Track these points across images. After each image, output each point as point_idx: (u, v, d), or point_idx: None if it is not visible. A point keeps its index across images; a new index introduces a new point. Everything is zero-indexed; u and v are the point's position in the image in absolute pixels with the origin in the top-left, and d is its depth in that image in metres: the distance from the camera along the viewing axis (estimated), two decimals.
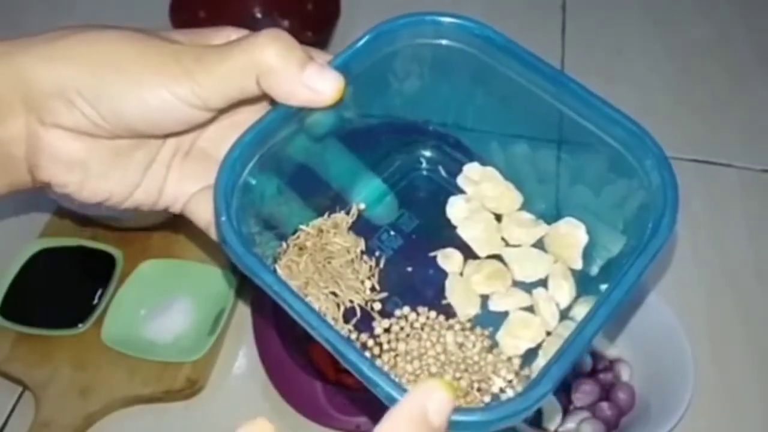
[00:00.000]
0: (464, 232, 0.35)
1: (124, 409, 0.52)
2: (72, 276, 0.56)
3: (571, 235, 0.34)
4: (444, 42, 0.33)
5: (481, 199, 0.36)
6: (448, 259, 0.35)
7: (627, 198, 0.32)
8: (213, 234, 0.31)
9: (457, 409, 0.24)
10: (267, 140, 0.30)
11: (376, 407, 0.49)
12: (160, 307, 0.55)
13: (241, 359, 0.55)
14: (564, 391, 0.52)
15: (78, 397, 0.51)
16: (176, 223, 0.60)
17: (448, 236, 0.35)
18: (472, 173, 0.36)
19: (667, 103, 0.74)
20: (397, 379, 0.27)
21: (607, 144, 0.32)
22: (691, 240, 0.63)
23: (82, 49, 0.27)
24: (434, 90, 0.35)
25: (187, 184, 0.32)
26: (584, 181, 0.33)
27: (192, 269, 0.57)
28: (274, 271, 0.31)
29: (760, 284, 0.60)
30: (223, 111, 0.29)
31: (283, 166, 0.32)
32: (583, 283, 0.33)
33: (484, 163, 0.36)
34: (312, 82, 0.28)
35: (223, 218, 0.28)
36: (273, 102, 0.29)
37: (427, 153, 0.38)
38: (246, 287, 0.57)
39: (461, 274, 0.35)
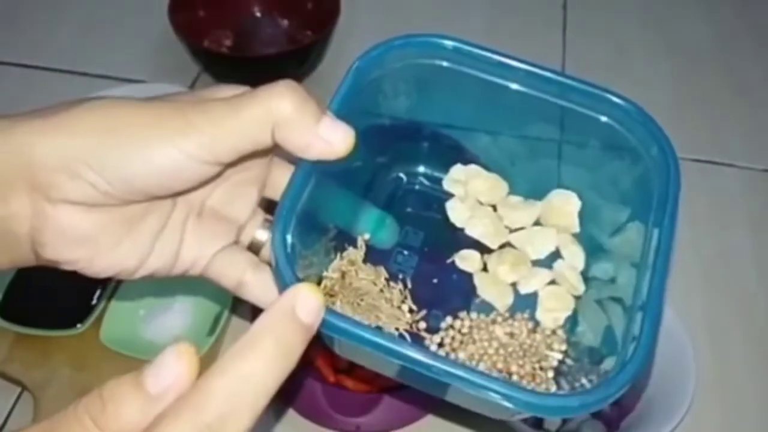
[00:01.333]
0: (472, 231, 0.36)
1: None
2: (70, 276, 0.56)
3: (566, 203, 0.36)
4: (423, 60, 0.35)
5: (475, 195, 0.37)
6: (466, 260, 0.36)
7: (623, 172, 0.34)
8: (243, 294, 0.31)
9: (557, 395, 0.27)
10: (299, 200, 0.29)
11: (375, 408, 0.49)
12: (160, 307, 0.55)
13: None
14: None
15: (77, 398, 0.49)
16: None
17: (457, 239, 0.37)
18: (457, 174, 0.37)
19: (668, 103, 0.74)
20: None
21: (597, 120, 0.34)
22: (692, 239, 0.63)
23: (83, 118, 0.26)
24: (420, 104, 0.37)
25: (204, 247, 0.30)
26: (580, 159, 0.35)
27: None
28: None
29: (762, 284, 0.60)
30: (230, 165, 0.28)
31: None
32: (588, 242, 0.35)
33: (464, 163, 0.38)
34: (327, 134, 0.27)
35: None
36: (278, 153, 0.29)
37: (407, 168, 0.39)
38: None
39: (484, 269, 0.36)
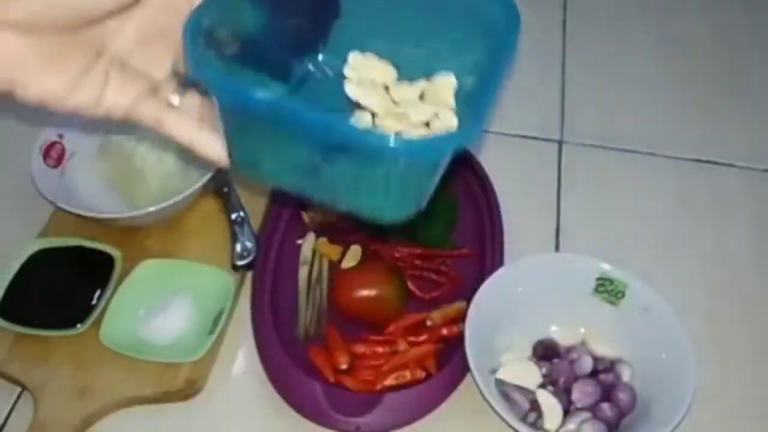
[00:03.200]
0: (365, 101, 0.39)
1: (122, 410, 0.52)
2: (71, 276, 0.56)
3: (444, 82, 0.40)
4: None
5: (369, 76, 0.41)
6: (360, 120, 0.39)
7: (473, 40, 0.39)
8: (163, 129, 0.35)
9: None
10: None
11: (376, 407, 0.49)
12: (159, 307, 0.55)
13: (241, 360, 0.54)
14: (565, 391, 0.52)
15: (77, 398, 0.51)
16: (176, 221, 0.60)
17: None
18: (354, 61, 0.41)
19: (668, 103, 0.74)
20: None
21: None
22: (693, 239, 0.63)
23: None
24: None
25: (125, 92, 0.34)
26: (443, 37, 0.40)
27: (191, 269, 0.56)
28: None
29: (763, 283, 0.60)
30: None
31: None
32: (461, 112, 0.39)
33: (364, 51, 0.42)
34: None
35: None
36: None
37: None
38: (245, 287, 0.57)
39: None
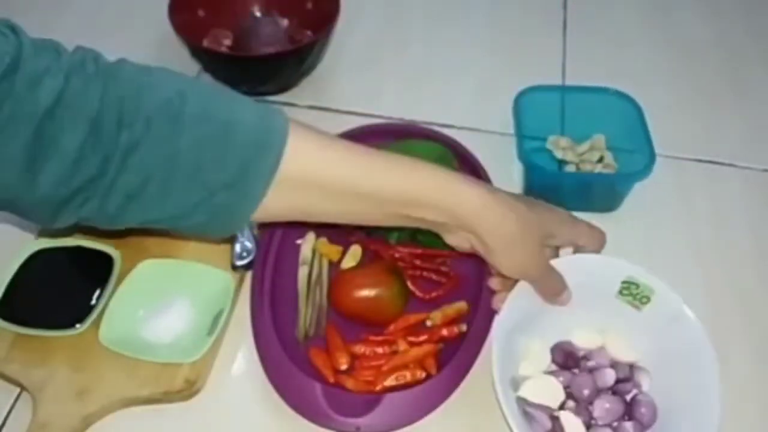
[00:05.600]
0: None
1: (122, 411, 0.51)
2: (70, 276, 0.56)
3: (599, 139, 0.68)
4: None
5: None
6: None
7: None
8: None
9: None
10: None
11: (376, 408, 0.49)
12: (159, 307, 0.55)
13: (240, 360, 0.54)
14: (586, 406, 0.51)
15: (76, 399, 0.50)
16: None
17: None
18: None
19: (668, 103, 0.74)
20: None
21: None
22: (693, 239, 0.63)
23: (494, 216, 0.47)
24: None
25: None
26: None
27: (190, 269, 0.56)
28: None
29: (763, 283, 0.60)
30: None
31: None
32: None
33: None
34: (564, 300, 0.53)
35: None
36: None
37: None
38: (245, 287, 0.57)
39: None
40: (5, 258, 0.56)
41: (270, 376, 0.52)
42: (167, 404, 0.52)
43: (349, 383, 0.51)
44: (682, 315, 0.51)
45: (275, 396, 0.51)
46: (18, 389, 0.53)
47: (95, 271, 0.56)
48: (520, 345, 0.52)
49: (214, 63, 0.72)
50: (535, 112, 0.65)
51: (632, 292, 0.53)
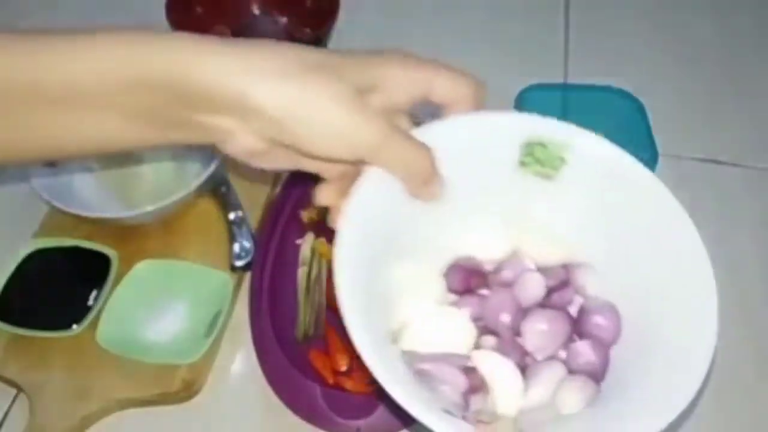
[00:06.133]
0: None
1: (119, 412, 0.51)
2: (67, 277, 0.56)
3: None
4: None
5: None
6: None
7: None
8: None
9: None
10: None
11: (376, 409, 0.49)
12: (157, 308, 0.54)
13: (239, 361, 0.54)
14: (512, 340, 0.34)
15: (73, 400, 0.50)
16: (173, 222, 0.59)
17: None
18: None
19: (672, 102, 0.73)
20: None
21: None
22: None
23: (300, 94, 0.31)
24: None
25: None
26: None
27: (189, 270, 0.56)
28: None
29: (765, 283, 0.60)
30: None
31: None
32: None
33: None
34: (436, 189, 0.34)
35: None
36: None
37: None
38: (243, 288, 0.57)
39: None
40: (1, 258, 0.55)
41: (269, 378, 0.51)
42: (165, 406, 0.51)
43: (349, 384, 0.51)
44: (623, 167, 0.35)
45: (274, 398, 0.51)
46: (14, 391, 0.52)
47: (92, 272, 0.55)
48: (391, 277, 0.34)
49: None
50: (537, 110, 0.64)
51: (538, 157, 0.36)
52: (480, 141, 0.35)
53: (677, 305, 0.32)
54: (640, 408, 0.29)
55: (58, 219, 0.58)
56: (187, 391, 0.51)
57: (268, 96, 0.31)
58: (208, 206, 0.60)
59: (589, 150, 0.35)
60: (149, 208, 0.54)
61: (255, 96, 0.31)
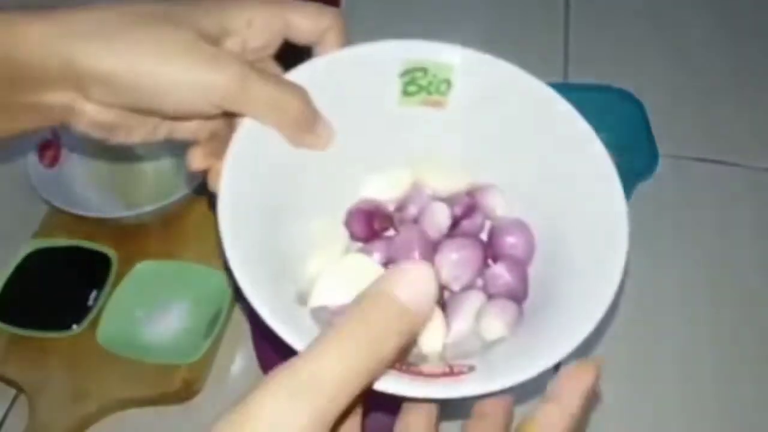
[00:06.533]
0: None
1: (119, 412, 0.51)
2: (67, 276, 0.56)
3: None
4: None
5: None
6: None
7: None
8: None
9: None
10: None
11: (374, 410, 0.48)
12: (157, 308, 0.54)
13: (239, 361, 0.54)
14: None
15: (73, 400, 0.50)
16: (173, 221, 0.59)
17: None
18: None
19: (672, 102, 0.73)
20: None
21: None
22: (696, 239, 0.62)
23: (128, 44, 0.29)
24: None
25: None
26: None
27: (188, 270, 0.56)
28: None
29: (765, 283, 0.60)
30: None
31: None
32: None
33: None
34: (321, 131, 0.32)
35: None
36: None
37: None
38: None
39: None
40: (1, 258, 0.55)
41: None
42: (165, 406, 0.51)
43: None
44: (513, 81, 0.33)
45: None
46: (14, 391, 0.52)
47: (92, 272, 0.55)
48: (291, 236, 0.32)
49: None
50: None
51: (421, 84, 0.34)
52: (357, 77, 0.33)
53: (588, 216, 0.31)
54: (562, 321, 0.28)
55: (58, 219, 0.58)
56: (187, 391, 0.51)
57: (97, 57, 0.29)
58: (208, 207, 0.60)
59: (474, 67, 0.33)
60: (149, 208, 0.54)
61: (82, 60, 0.29)
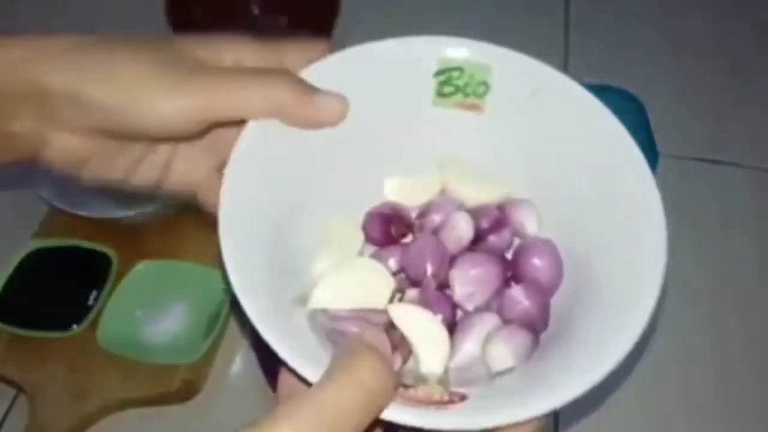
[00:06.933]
0: None
1: (119, 412, 0.51)
2: (67, 277, 0.56)
3: None
4: None
5: None
6: None
7: None
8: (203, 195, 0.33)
9: None
10: None
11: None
12: (157, 308, 0.54)
13: (239, 361, 0.54)
14: (440, 290, 0.30)
15: (73, 400, 0.50)
16: (173, 222, 0.59)
17: None
18: None
19: (672, 102, 0.73)
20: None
21: None
22: (696, 239, 0.62)
23: (100, 62, 0.28)
24: None
25: (195, 168, 0.33)
26: None
27: (188, 270, 0.56)
28: None
29: (765, 283, 0.60)
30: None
31: None
32: None
33: None
34: (325, 103, 0.30)
35: None
36: None
37: None
38: None
39: None
40: (1, 258, 0.55)
41: (269, 378, 0.51)
42: (165, 406, 0.51)
43: None
44: (553, 85, 0.31)
45: (274, 398, 0.50)
46: (14, 391, 0.52)
47: (92, 272, 0.55)
48: (301, 237, 0.30)
49: None
50: None
51: (457, 85, 0.31)
52: (389, 72, 0.31)
53: (623, 249, 0.28)
54: (575, 361, 0.25)
55: (58, 219, 0.58)
56: (188, 390, 0.51)
57: (64, 74, 0.27)
58: None
59: (512, 70, 0.31)
60: (149, 208, 0.54)
61: (49, 80, 0.27)
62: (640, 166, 0.28)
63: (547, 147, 0.31)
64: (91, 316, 0.53)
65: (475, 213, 0.32)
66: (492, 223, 0.31)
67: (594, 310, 0.27)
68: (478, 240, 0.31)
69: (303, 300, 0.29)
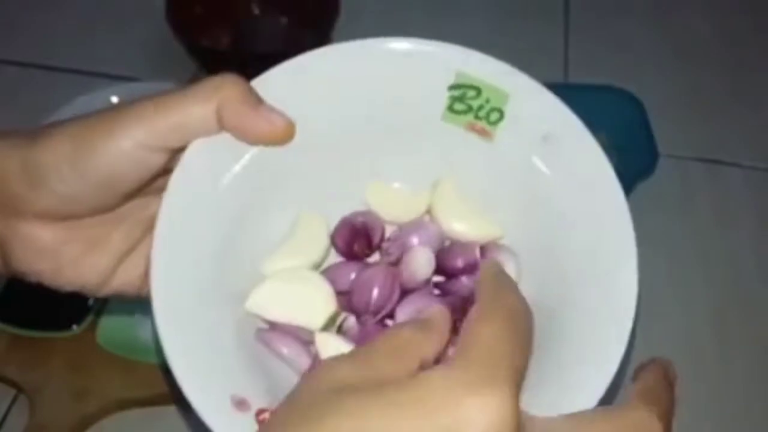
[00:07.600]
0: None
1: (119, 412, 0.51)
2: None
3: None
4: None
5: None
6: None
7: None
8: None
9: None
10: None
11: None
12: None
13: None
14: (376, 325, 0.28)
15: (73, 400, 0.50)
16: None
17: None
18: None
19: (672, 102, 0.73)
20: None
21: None
22: (696, 239, 0.62)
23: (54, 133, 0.27)
24: None
25: None
26: None
27: None
28: None
29: (765, 283, 0.60)
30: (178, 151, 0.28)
31: None
32: None
33: None
34: (269, 115, 0.28)
35: None
36: None
37: None
38: None
39: None
40: None
41: None
42: (165, 406, 0.51)
43: None
44: (566, 128, 0.28)
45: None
46: (14, 391, 0.52)
47: None
48: (263, 225, 0.29)
49: (212, 62, 0.71)
50: None
51: (471, 105, 0.29)
52: (400, 73, 0.29)
53: (593, 303, 0.28)
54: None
55: None
56: None
57: (34, 145, 0.26)
58: None
59: (530, 104, 0.28)
60: None
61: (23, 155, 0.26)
62: (627, 239, 0.30)
63: (546, 197, 0.29)
64: (91, 316, 0.53)
65: (456, 249, 0.30)
66: (467, 265, 0.29)
67: (559, 370, 0.26)
68: (451, 276, 0.30)
69: (243, 297, 0.28)
